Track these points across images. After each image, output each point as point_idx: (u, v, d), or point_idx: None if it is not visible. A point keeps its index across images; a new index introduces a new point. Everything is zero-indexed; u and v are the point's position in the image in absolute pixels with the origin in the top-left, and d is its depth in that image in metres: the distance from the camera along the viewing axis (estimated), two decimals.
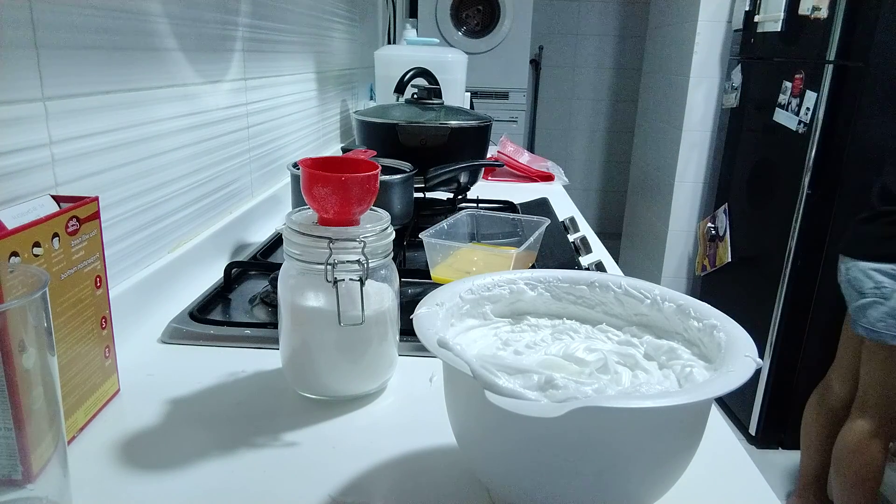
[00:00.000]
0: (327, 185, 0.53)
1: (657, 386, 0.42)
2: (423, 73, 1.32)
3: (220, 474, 0.48)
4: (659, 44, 3.18)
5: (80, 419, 0.52)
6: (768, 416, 2.19)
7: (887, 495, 1.87)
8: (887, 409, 1.54)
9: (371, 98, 2.11)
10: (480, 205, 1.26)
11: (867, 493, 1.58)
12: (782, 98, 2.12)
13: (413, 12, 3.22)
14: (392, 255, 0.58)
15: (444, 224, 0.85)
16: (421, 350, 0.67)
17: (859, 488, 1.58)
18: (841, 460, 1.61)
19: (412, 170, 1.02)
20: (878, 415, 1.55)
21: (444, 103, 1.25)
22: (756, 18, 2.32)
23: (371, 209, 0.58)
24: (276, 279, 0.59)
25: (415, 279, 0.85)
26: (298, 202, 0.96)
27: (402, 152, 1.11)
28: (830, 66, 1.89)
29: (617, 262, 1.01)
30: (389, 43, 2.61)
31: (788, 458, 2.13)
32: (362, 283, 0.53)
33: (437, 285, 0.53)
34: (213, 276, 0.86)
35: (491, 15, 3.25)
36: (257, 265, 0.90)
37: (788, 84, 2.09)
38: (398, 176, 0.96)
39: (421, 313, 0.45)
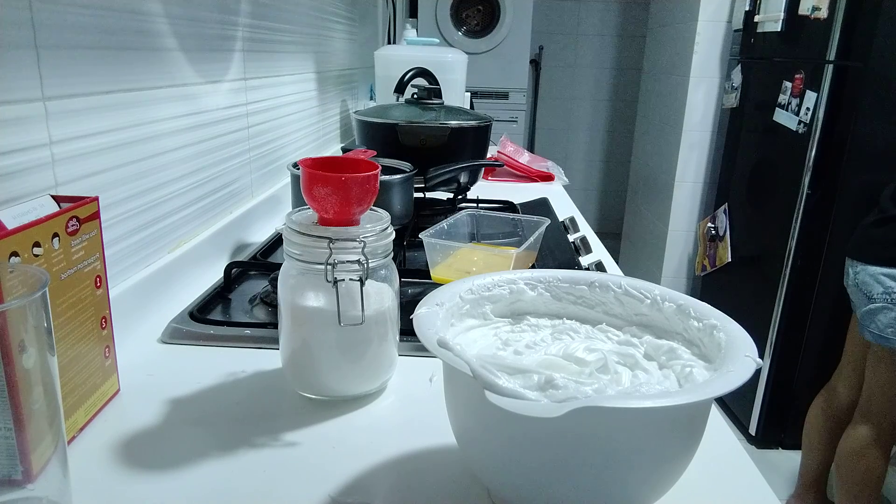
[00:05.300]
0: (327, 185, 0.53)
1: (657, 386, 0.42)
2: (423, 73, 1.32)
3: (220, 474, 0.48)
4: (659, 44, 3.18)
5: (80, 419, 0.52)
6: (768, 416, 2.19)
7: (889, 497, 1.87)
8: (891, 415, 1.53)
9: (371, 98, 2.11)
10: (480, 205, 1.26)
11: (869, 497, 1.57)
12: (782, 98, 2.12)
13: (413, 12, 3.22)
14: (392, 255, 0.58)
15: (444, 224, 0.85)
16: (421, 350, 0.67)
17: (861, 493, 1.58)
18: (843, 465, 1.61)
19: (412, 170, 1.02)
20: (882, 420, 1.54)
21: (444, 103, 1.25)
22: (756, 18, 2.32)
23: (371, 209, 0.58)
24: (276, 279, 0.59)
25: (415, 279, 0.85)
26: (298, 202, 0.96)
27: (402, 152, 1.11)
28: (830, 66, 1.89)
29: (617, 262, 1.01)
30: (389, 43, 2.61)
31: (788, 459, 2.13)
32: (362, 283, 0.53)
33: (437, 285, 0.53)
34: (213, 276, 0.86)
35: (491, 15, 3.25)
36: (257, 265, 0.90)
37: (788, 84, 2.09)
38: (398, 176, 0.96)
39: (421, 313, 0.45)
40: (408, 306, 0.52)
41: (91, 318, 0.52)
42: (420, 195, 1.12)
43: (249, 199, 1.10)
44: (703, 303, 0.48)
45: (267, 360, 0.65)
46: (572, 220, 1.16)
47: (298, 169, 0.55)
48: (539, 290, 0.54)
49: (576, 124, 4.15)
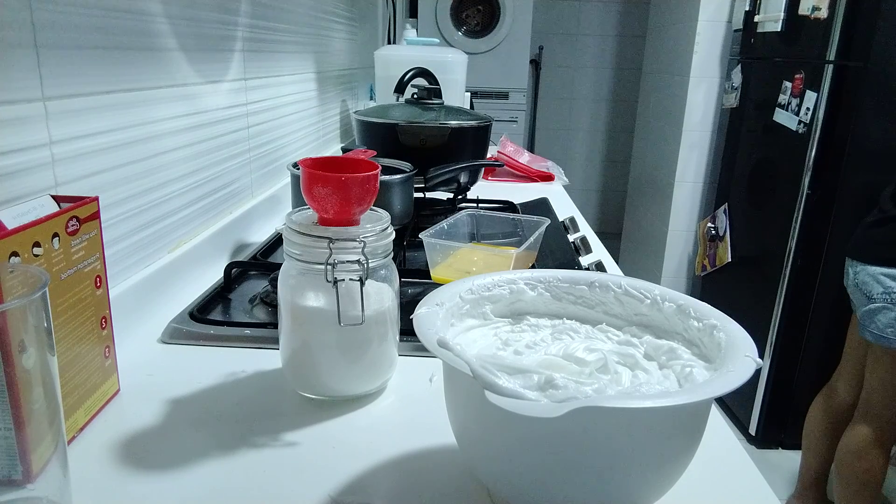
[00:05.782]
0: (327, 185, 0.53)
1: (657, 386, 0.42)
2: (423, 73, 1.32)
3: (220, 474, 0.48)
4: (659, 44, 3.18)
5: (80, 419, 0.52)
6: (768, 416, 2.19)
7: (889, 497, 1.87)
8: (891, 415, 1.53)
9: (371, 98, 2.11)
10: (480, 205, 1.26)
11: (869, 497, 1.57)
12: (782, 98, 2.12)
13: (413, 12, 3.22)
14: (392, 255, 0.58)
15: (444, 224, 0.85)
16: (421, 350, 0.67)
17: (861, 493, 1.58)
18: (843, 464, 1.60)
19: (412, 170, 1.02)
20: (882, 420, 1.54)
21: (444, 103, 1.25)
22: (756, 18, 2.32)
23: (371, 209, 0.58)
24: (276, 279, 0.59)
25: (415, 279, 0.85)
26: (298, 202, 0.96)
27: (402, 152, 1.10)
28: (830, 66, 1.89)
29: (617, 262, 1.01)
30: (389, 43, 2.61)
31: (788, 459, 2.13)
32: (362, 283, 0.53)
33: (437, 285, 0.53)
34: (213, 276, 0.86)
35: (491, 15, 3.25)
36: (257, 265, 0.90)
37: (788, 84, 2.09)
38: (398, 176, 0.96)
39: (421, 313, 0.45)
40: (408, 306, 0.52)
41: (91, 318, 0.52)
42: (420, 195, 1.12)
43: (249, 199, 1.10)
44: (703, 303, 0.48)
45: (267, 360, 0.65)
46: (572, 220, 1.16)
47: (298, 169, 0.55)
48: (539, 290, 0.54)
49: (576, 124, 4.15)
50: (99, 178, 0.66)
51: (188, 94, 0.85)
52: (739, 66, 2.45)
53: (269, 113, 1.18)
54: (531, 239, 0.81)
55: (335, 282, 0.52)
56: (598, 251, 1.03)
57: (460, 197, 1.21)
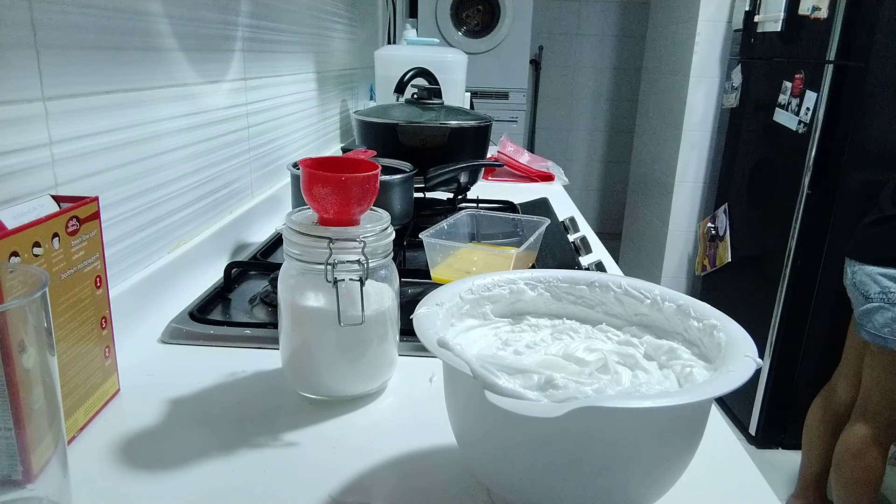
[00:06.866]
0: (327, 185, 0.53)
1: (657, 386, 0.42)
2: (423, 73, 1.32)
3: (220, 474, 0.48)
4: (659, 44, 3.18)
5: (80, 419, 0.52)
6: (768, 416, 2.19)
7: (888, 496, 1.87)
8: (888, 414, 1.53)
9: (371, 98, 2.11)
10: (480, 205, 1.26)
11: (867, 496, 1.58)
12: (782, 98, 2.12)
13: (413, 12, 3.22)
14: (392, 255, 0.58)
15: (444, 224, 0.85)
16: (421, 350, 0.67)
17: (859, 491, 1.58)
18: (841, 463, 1.61)
19: (412, 170, 1.02)
20: (879, 419, 1.54)
21: (444, 103, 1.25)
22: (756, 18, 2.32)
23: (371, 209, 0.58)
24: (276, 279, 0.59)
25: (415, 279, 0.85)
26: (298, 202, 0.96)
27: (402, 152, 1.11)
28: (830, 66, 1.89)
29: (617, 262, 1.01)
30: (389, 43, 2.61)
31: (788, 459, 2.13)
32: (362, 283, 0.53)
33: (437, 285, 0.53)
34: (213, 276, 0.86)
35: (491, 15, 3.25)
36: (257, 265, 0.90)
37: (788, 84, 2.09)
38: (398, 176, 0.96)
39: (421, 313, 0.45)
40: (408, 306, 0.52)
41: (91, 318, 0.52)
42: (420, 195, 1.12)
43: (249, 199, 1.10)
44: (703, 303, 0.48)
45: (267, 360, 0.65)
46: (572, 220, 1.16)
47: (298, 169, 0.55)
48: (539, 290, 0.54)
49: (576, 124, 4.15)
50: (99, 178, 0.66)
51: (188, 94, 0.85)
52: (739, 66, 2.46)
53: (269, 113, 1.18)
54: (531, 239, 0.81)
55: (335, 282, 0.52)
56: (598, 251, 1.03)
57: (460, 197, 1.21)
